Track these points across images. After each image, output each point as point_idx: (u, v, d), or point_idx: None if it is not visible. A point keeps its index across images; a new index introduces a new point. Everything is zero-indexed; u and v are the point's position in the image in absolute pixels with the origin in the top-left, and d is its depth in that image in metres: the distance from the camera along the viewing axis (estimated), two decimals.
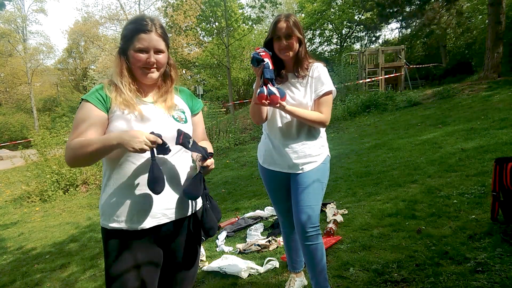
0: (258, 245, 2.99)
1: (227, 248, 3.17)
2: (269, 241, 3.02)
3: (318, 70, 1.90)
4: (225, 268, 2.65)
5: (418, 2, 14.24)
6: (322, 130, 1.98)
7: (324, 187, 1.96)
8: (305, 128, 1.90)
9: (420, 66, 16.53)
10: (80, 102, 1.33)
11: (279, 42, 1.83)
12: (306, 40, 1.95)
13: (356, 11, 22.06)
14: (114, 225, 1.30)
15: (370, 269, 2.34)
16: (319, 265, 1.94)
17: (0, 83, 30.68)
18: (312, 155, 1.91)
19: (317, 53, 24.16)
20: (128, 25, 1.35)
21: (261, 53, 1.70)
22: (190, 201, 1.41)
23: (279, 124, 1.91)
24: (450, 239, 2.51)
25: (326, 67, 1.95)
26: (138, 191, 1.31)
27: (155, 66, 1.34)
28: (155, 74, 1.36)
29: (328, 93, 1.87)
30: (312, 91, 1.88)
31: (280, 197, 2.09)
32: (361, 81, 13.43)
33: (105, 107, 1.30)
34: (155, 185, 1.25)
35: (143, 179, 1.29)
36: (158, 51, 1.34)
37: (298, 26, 1.85)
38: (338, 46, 25.28)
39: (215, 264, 2.77)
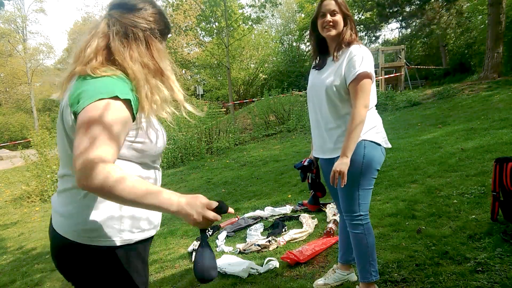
0: (258, 245, 2.99)
1: (227, 248, 3.17)
2: (269, 241, 3.02)
3: (352, 52, 1.74)
4: (225, 268, 2.65)
5: (418, 2, 14.27)
6: (369, 113, 1.78)
7: (366, 172, 1.85)
8: (339, 115, 1.82)
9: (420, 66, 16.54)
10: (107, 99, 0.92)
11: (323, 19, 1.78)
12: (352, 22, 1.81)
13: (356, 11, 22.04)
14: (141, 235, 1.13)
15: None
16: (364, 250, 1.95)
17: (0, 83, 30.71)
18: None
19: None
20: (165, 18, 1.20)
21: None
22: None
23: (316, 114, 1.93)
24: (450, 239, 2.51)
25: (362, 47, 1.77)
26: None
27: None
28: None
29: (360, 77, 1.69)
30: (342, 75, 1.75)
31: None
32: None
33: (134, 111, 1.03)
34: (212, 271, 1.04)
35: (157, 176, 1.20)
36: None
37: (345, 5, 1.79)
38: None
39: None
